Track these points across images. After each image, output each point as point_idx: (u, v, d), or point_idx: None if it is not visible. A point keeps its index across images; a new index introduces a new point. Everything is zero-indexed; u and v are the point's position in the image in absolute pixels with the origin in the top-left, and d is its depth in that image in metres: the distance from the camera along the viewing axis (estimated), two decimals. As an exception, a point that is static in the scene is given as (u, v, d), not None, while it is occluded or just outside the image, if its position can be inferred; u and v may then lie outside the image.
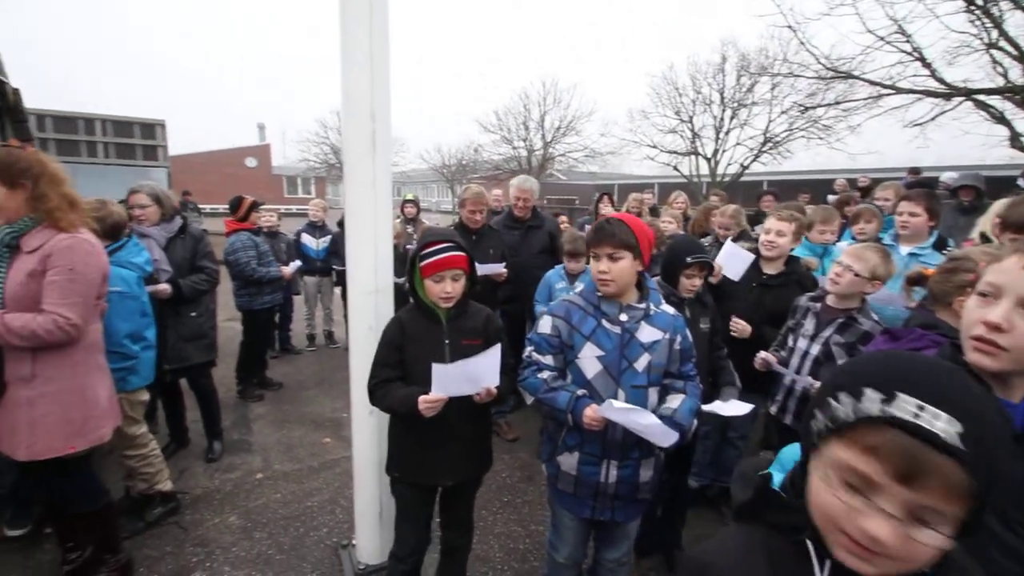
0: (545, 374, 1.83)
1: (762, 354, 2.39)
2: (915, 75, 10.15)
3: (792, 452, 0.81)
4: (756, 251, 2.84)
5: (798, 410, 2.29)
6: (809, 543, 0.66)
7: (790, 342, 2.40)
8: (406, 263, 1.94)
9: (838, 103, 13.21)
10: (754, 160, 17.64)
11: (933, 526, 0.56)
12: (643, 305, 1.83)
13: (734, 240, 3.18)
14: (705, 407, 2.08)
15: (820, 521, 0.64)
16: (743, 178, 18.16)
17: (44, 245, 1.96)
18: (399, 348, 1.90)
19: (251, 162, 32.92)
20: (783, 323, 2.51)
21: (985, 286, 1.02)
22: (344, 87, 2.08)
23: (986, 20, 8.87)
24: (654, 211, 6.35)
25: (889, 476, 0.56)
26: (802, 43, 11.63)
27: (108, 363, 2.29)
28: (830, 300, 2.28)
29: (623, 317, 1.79)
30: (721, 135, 18.07)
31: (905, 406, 0.56)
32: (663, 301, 1.94)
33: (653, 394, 1.82)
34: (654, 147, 19.29)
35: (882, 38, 10.05)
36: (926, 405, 0.56)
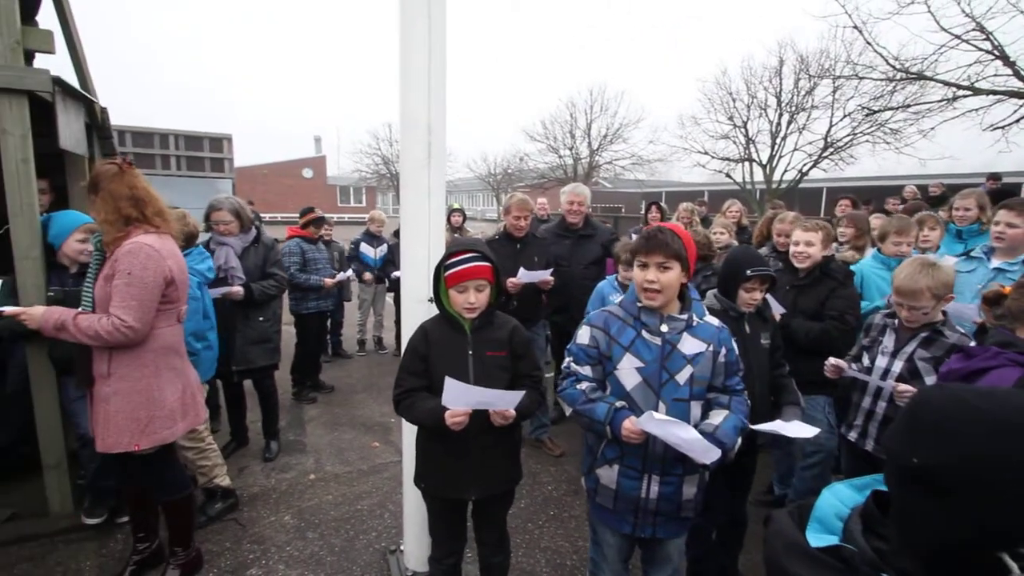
0: (583, 385, 1.79)
1: (833, 360, 2.26)
2: (996, 74, 9.47)
3: (831, 503, 0.71)
4: (786, 259, 2.88)
5: (879, 435, 2.14)
6: None
7: (865, 361, 2.26)
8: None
9: (907, 106, 12.44)
10: (813, 166, 16.85)
11: None
12: (685, 316, 1.78)
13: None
14: (765, 427, 1.98)
15: None
16: (801, 185, 17.37)
17: (116, 250, 2.09)
18: (424, 357, 1.87)
19: (308, 173, 34.52)
20: (819, 319, 2.53)
21: None
22: (402, 104, 2.14)
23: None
24: (705, 221, 6.15)
25: None
26: (868, 43, 11.06)
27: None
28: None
29: (664, 328, 1.75)
30: (778, 140, 17.39)
31: None
32: (707, 312, 1.89)
33: (696, 408, 1.76)
34: (705, 154, 18.81)
35: (958, 36, 9.41)
36: None
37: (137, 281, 2.05)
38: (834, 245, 3.28)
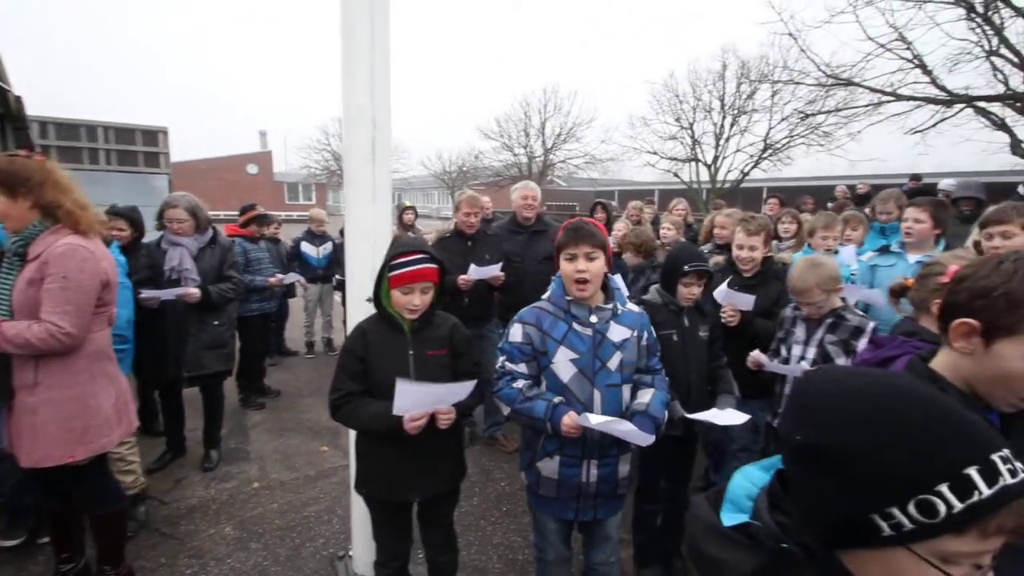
0: (520, 383, 1.82)
1: (755, 353, 2.40)
2: (916, 82, 10.20)
3: (741, 484, 0.75)
4: (731, 262, 2.90)
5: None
6: None
7: (783, 352, 2.42)
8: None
9: (838, 110, 13.25)
10: (754, 166, 17.69)
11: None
12: (610, 305, 1.87)
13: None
14: (698, 416, 2.07)
15: None
16: (743, 184, 18.18)
17: (43, 252, 1.94)
18: (362, 359, 1.83)
19: (252, 169, 33.07)
20: (770, 318, 2.60)
21: None
22: (345, 94, 2.07)
23: (987, 27, 8.91)
24: (656, 220, 6.33)
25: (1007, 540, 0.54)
26: (803, 50, 11.68)
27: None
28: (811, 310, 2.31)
29: (593, 319, 1.83)
30: (721, 142, 18.15)
31: (1002, 467, 0.53)
32: (628, 301, 1.99)
33: (627, 391, 1.87)
34: (654, 154, 19.38)
35: (883, 45, 10.09)
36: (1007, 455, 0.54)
37: (74, 285, 1.93)
38: (773, 243, 3.46)
